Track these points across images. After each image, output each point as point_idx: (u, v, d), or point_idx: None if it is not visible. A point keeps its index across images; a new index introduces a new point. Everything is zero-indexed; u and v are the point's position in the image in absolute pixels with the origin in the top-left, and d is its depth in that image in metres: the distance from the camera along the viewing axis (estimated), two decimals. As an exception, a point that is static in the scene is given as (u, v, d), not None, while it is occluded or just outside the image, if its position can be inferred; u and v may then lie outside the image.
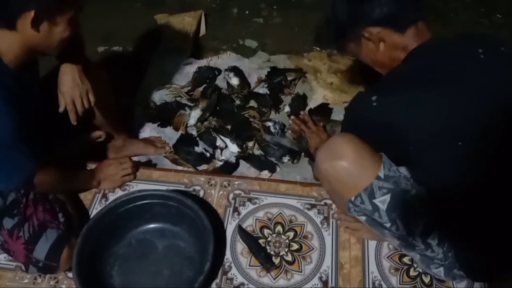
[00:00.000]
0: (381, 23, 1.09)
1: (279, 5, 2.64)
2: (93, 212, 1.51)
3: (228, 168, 1.79)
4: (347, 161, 1.11)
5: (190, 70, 2.21)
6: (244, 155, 1.83)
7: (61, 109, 1.36)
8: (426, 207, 1.09)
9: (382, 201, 1.09)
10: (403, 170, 1.12)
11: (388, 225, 1.13)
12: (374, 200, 1.10)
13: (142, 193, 1.40)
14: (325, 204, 1.51)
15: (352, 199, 1.13)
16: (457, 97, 1.01)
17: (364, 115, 1.08)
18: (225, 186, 1.58)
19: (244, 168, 1.82)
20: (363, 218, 1.14)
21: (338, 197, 1.21)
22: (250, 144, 1.90)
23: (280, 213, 1.49)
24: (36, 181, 1.25)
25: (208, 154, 1.84)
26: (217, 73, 2.19)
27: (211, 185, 1.58)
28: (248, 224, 1.47)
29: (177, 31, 2.35)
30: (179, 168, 1.78)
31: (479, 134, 1.01)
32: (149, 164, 1.80)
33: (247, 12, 2.60)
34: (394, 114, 1.02)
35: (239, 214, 1.50)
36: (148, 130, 1.96)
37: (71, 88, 1.35)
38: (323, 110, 2.03)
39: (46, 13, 1.08)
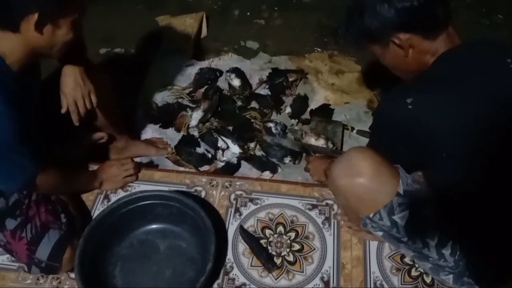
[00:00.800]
0: (411, 30, 1.06)
1: (280, 6, 2.65)
2: (95, 213, 1.52)
3: (230, 169, 1.80)
4: (366, 178, 1.08)
5: (191, 71, 2.22)
6: (246, 156, 1.84)
7: (63, 110, 1.37)
8: (442, 219, 1.08)
9: (401, 217, 1.08)
10: (418, 182, 1.10)
11: (405, 239, 1.12)
12: (393, 217, 1.08)
13: (144, 194, 1.41)
14: (327, 204, 1.51)
15: (371, 216, 1.11)
16: (486, 104, 0.99)
17: (398, 117, 1.04)
18: (226, 187, 1.58)
19: (246, 169, 1.82)
20: (379, 233, 1.13)
21: (353, 212, 1.19)
22: (252, 145, 1.90)
23: (282, 213, 1.50)
24: (38, 183, 1.25)
25: (209, 155, 1.85)
26: (218, 75, 2.20)
27: (212, 185, 1.59)
28: (250, 225, 1.47)
29: (178, 33, 2.36)
30: (181, 169, 1.79)
31: (504, 144, 0.99)
32: (151, 165, 1.81)
33: (248, 13, 2.60)
34: (430, 117, 0.99)
35: (240, 214, 1.50)
36: (150, 131, 1.97)
37: (73, 89, 1.36)
38: (325, 111, 2.04)
39: (50, 16, 1.08)
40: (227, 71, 2.18)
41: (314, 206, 1.51)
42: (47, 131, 1.40)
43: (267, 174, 1.78)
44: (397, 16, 1.06)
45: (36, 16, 1.05)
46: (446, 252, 1.11)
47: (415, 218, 1.09)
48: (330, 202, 1.51)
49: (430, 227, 1.11)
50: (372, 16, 1.09)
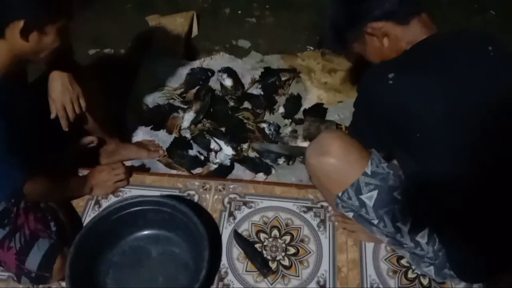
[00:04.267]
0: (382, 18, 1.07)
1: (271, 4, 2.61)
2: (86, 219, 1.49)
3: (223, 171, 1.77)
4: (333, 157, 1.12)
5: (182, 72, 2.18)
6: (239, 158, 1.81)
7: (52, 116, 1.34)
8: (415, 204, 1.08)
9: (369, 197, 1.10)
10: (393, 167, 1.11)
11: (375, 221, 1.14)
12: (361, 196, 1.11)
13: (135, 200, 1.38)
14: (322, 206, 1.49)
15: (340, 194, 1.14)
16: (467, 90, 0.99)
17: (378, 91, 1.03)
18: (220, 190, 1.56)
19: (239, 170, 1.80)
20: (350, 214, 1.16)
21: (327, 193, 1.22)
22: (245, 146, 1.88)
23: (276, 216, 1.48)
24: (26, 191, 1.22)
25: (202, 157, 1.82)
26: (210, 75, 2.17)
27: (205, 189, 1.56)
28: (244, 229, 1.45)
29: (169, 33, 2.32)
30: (173, 172, 1.76)
31: (483, 130, 0.99)
32: (143, 169, 1.78)
33: (239, 12, 2.57)
34: (410, 95, 0.99)
35: (234, 218, 1.48)
36: (141, 134, 1.94)
37: (62, 94, 1.33)
38: (318, 110, 2.02)
39: (36, 23, 1.05)
40: (219, 71, 2.15)
41: (309, 209, 1.49)
42: (35, 136, 1.36)
43: (261, 176, 1.76)
44: (365, 5, 1.08)
45: (21, 23, 1.02)
46: (422, 240, 1.13)
47: (383, 199, 1.11)
48: (325, 204, 1.49)
49: (400, 210, 1.11)
50: (342, 10, 1.12)
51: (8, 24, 1.04)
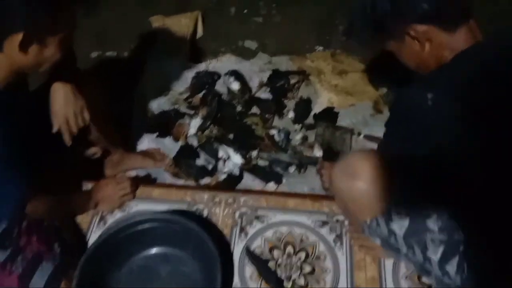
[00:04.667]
0: (429, 21, 0.96)
1: (278, 2, 2.52)
2: (91, 236, 1.42)
3: (232, 181, 1.70)
4: (364, 182, 1.02)
5: (188, 75, 2.11)
6: (249, 167, 1.74)
7: (54, 129, 1.28)
8: (447, 234, 1.01)
9: (400, 226, 1.02)
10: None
11: (404, 250, 1.06)
12: (391, 224, 1.02)
13: (143, 217, 1.32)
14: (337, 221, 1.42)
15: (368, 221, 1.06)
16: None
17: (416, 113, 0.95)
18: (230, 204, 1.49)
19: (249, 180, 1.73)
20: (377, 240, 1.08)
21: (353, 217, 1.14)
22: (254, 153, 1.81)
23: (290, 232, 1.41)
24: (28, 211, 1.17)
25: (210, 166, 1.75)
26: (216, 78, 2.09)
27: (215, 203, 1.49)
28: (257, 245, 1.38)
29: (173, 34, 2.25)
30: (180, 182, 1.70)
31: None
32: (149, 179, 1.72)
33: (245, 11, 2.48)
34: (447, 122, 0.90)
35: (246, 234, 1.41)
36: (147, 142, 1.87)
37: (64, 107, 1.26)
38: (329, 114, 1.94)
39: (36, 35, 0.98)
40: (226, 74, 2.07)
41: (324, 223, 1.42)
42: (37, 150, 1.30)
43: (271, 186, 1.69)
44: (413, 5, 0.97)
45: (20, 35, 0.95)
46: (451, 269, 1.03)
47: (414, 228, 1.02)
48: (341, 218, 1.42)
49: (431, 240, 1.03)
50: (385, 7, 1.00)
51: (6, 36, 0.97)
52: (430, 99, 0.90)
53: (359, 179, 1.02)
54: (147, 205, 1.48)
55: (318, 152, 1.74)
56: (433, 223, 1.01)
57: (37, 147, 1.27)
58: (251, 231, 1.42)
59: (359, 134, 1.85)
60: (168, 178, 1.73)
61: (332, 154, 1.74)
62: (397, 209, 1.01)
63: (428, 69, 1.03)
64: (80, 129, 1.31)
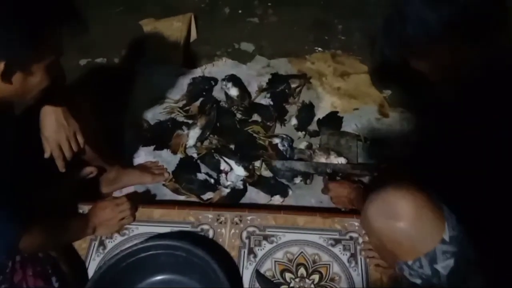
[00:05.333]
0: (464, 40, 0.90)
1: (274, 0, 2.42)
2: (91, 263, 1.34)
3: (236, 195, 1.62)
4: (406, 222, 0.94)
5: (183, 81, 2.01)
6: (253, 180, 1.66)
7: (46, 155, 1.19)
8: (489, 269, 0.94)
9: (445, 266, 0.94)
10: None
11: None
12: (435, 265, 0.94)
13: (145, 245, 1.24)
14: (351, 238, 1.36)
15: (410, 263, 0.98)
16: None
17: None
18: (236, 223, 1.41)
19: (253, 193, 1.65)
20: (418, 281, 0.98)
21: (390, 256, 1.05)
22: (257, 164, 1.73)
23: (302, 252, 1.34)
24: (22, 246, 1.08)
25: (212, 180, 1.67)
26: (213, 83, 2.00)
27: (220, 222, 1.41)
28: (267, 268, 1.31)
29: (165, 38, 2.14)
30: (181, 198, 1.62)
31: None
32: (148, 195, 1.64)
33: (240, 11, 2.37)
34: None
35: (255, 256, 1.33)
36: (143, 155, 1.78)
37: (56, 132, 1.17)
38: (333, 120, 1.87)
39: (19, 63, 0.88)
40: (223, 79, 1.98)
41: (337, 241, 1.35)
42: (27, 179, 1.21)
43: (277, 199, 1.61)
44: (446, 24, 0.89)
45: (2, 65, 0.85)
46: None
47: (459, 267, 0.95)
48: (354, 235, 1.36)
49: (477, 280, 0.97)
50: (416, 26, 0.92)
51: None
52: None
53: (402, 220, 0.94)
54: (148, 228, 1.40)
55: (337, 159, 1.65)
56: (476, 260, 0.94)
57: (27, 177, 1.18)
58: (260, 252, 1.34)
59: (366, 140, 1.77)
60: (168, 194, 1.65)
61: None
62: (444, 248, 0.94)
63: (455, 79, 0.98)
64: (74, 155, 1.22)
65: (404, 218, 0.94)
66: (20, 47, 0.86)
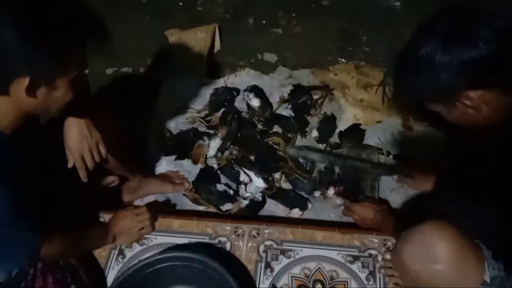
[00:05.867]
0: (484, 85, 0.85)
1: (298, 11, 2.42)
2: (110, 272, 1.36)
3: (255, 207, 1.62)
4: (447, 266, 0.92)
5: (206, 91, 2.03)
6: (272, 192, 1.65)
7: (69, 166, 1.22)
8: None
9: None
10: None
11: None
12: None
13: (163, 256, 1.24)
14: (370, 255, 1.33)
15: None
16: None
17: None
18: (254, 236, 1.41)
19: (272, 205, 1.65)
20: None
21: None
22: (277, 176, 1.72)
23: (319, 268, 1.32)
24: (43, 254, 1.10)
25: (231, 192, 1.67)
26: (235, 94, 2.01)
27: (238, 235, 1.41)
28: (284, 283, 1.30)
29: (189, 49, 2.17)
30: (201, 208, 1.62)
31: None
32: (168, 204, 1.65)
33: (264, 21, 2.39)
34: None
35: (272, 270, 1.33)
36: (165, 164, 1.80)
37: (79, 143, 1.19)
38: (355, 132, 1.85)
39: (43, 78, 0.91)
40: (245, 90, 1.99)
41: (355, 258, 1.33)
42: (50, 186, 1.24)
43: (296, 212, 1.60)
44: (464, 72, 0.84)
45: (26, 80, 0.87)
46: None
47: None
48: (373, 252, 1.33)
49: None
50: (432, 75, 0.87)
51: (12, 80, 0.89)
52: None
53: (442, 263, 0.92)
54: (167, 239, 1.41)
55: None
56: None
57: (50, 186, 1.21)
58: (277, 267, 1.33)
59: (388, 153, 1.75)
60: (188, 204, 1.66)
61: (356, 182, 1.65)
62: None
63: (484, 130, 0.94)
64: (97, 166, 1.25)
65: (444, 262, 0.92)
66: (44, 63, 0.88)
